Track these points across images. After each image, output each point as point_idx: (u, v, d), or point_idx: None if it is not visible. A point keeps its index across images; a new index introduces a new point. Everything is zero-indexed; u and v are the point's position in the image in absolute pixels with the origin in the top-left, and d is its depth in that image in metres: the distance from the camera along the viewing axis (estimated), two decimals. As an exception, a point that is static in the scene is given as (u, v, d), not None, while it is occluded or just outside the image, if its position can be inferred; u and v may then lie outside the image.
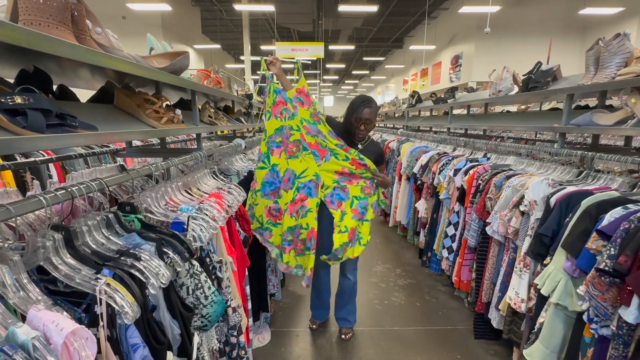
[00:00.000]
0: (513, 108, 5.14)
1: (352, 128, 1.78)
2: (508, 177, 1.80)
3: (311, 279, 1.83)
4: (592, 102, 2.97)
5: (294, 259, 1.82)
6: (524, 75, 2.12)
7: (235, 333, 1.16)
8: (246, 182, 1.86)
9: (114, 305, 0.62)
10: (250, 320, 1.63)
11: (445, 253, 2.40)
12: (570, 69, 1.97)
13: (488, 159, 2.35)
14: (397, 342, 2.08)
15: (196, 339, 0.91)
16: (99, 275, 0.64)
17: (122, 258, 0.71)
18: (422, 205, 2.85)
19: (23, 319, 0.55)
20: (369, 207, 1.81)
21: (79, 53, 0.74)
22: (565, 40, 8.90)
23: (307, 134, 1.76)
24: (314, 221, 1.76)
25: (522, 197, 1.58)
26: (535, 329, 1.40)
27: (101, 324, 0.62)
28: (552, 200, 1.43)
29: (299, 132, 1.75)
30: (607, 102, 1.93)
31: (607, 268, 1.06)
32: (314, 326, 2.19)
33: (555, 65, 1.92)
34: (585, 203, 1.28)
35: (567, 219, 1.33)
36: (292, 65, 2.02)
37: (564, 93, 1.73)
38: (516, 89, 2.26)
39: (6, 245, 0.65)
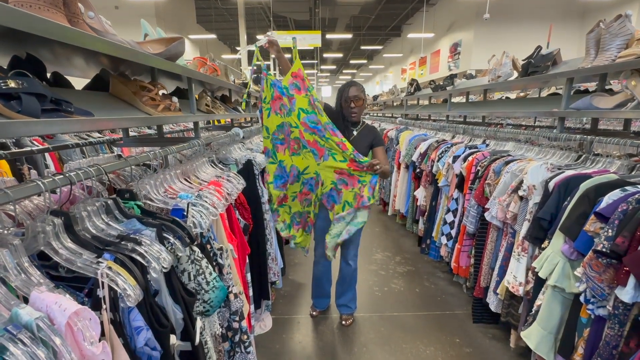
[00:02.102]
0: (512, 95, 5.11)
1: (345, 110, 1.84)
2: (507, 163, 1.80)
3: (308, 251, 2.09)
4: (592, 88, 2.95)
5: (301, 236, 2.01)
6: (523, 60, 2.10)
7: (237, 318, 1.17)
8: (245, 171, 1.85)
9: (116, 288, 0.62)
10: (252, 307, 1.65)
11: (444, 240, 2.41)
12: (570, 55, 1.95)
13: (487, 145, 2.35)
14: (397, 327, 2.11)
15: (199, 324, 0.92)
16: (100, 259, 0.64)
17: (122, 243, 0.71)
18: (420, 193, 2.86)
19: (25, 302, 0.55)
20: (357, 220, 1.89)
21: (72, 36, 0.72)
22: (564, 26, 8.80)
23: (305, 130, 1.72)
24: (316, 210, 1.95)
25: (521, 182, 1.59)
26: (533, 312, 1.42)
27: (104, 307, 0.62)
28: (551, 185, 1.44)
29: (298, 130, 1.72)
30: (607, 87, 1.91)
31: (604, 249, 1.07)
32: (315, 313, 2.21)
33: (555, 49, 1.90)
34: (584, 186, 1.28)
35: (566, 203, 1.33)
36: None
37: (564, 77, 1.71)
38: (516, 74, 2.24)
39: (6, 231, 0.64)
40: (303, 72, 1.71)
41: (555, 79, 1.79)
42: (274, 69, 14.67)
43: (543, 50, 1.97)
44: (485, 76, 2.92)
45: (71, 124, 0.72)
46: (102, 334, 0.63)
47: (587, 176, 1.33)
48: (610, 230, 1.07)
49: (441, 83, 3.43)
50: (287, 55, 1.81)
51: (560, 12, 8.85)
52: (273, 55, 1.72)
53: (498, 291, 1.77)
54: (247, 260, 1.55)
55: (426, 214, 2.77)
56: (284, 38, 8.90)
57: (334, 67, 24.11)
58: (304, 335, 2.05)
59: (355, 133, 1.91)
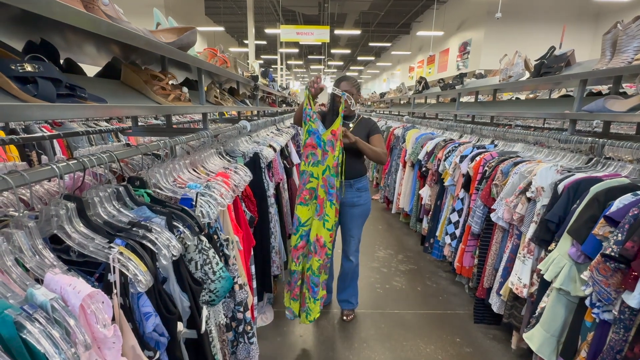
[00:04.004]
0: (522, 97, 5.06)
1: (336, 104, 1.84)
2: (516, 164, 1.79)
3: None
4: (605, 90, 2.91)
5: (288, 301, 1.87)
6: (536, 60, 2.07)
7: (241, 309, 1.18)
8: (251, 164, 1.86)
9: (127, 273, 0.63)
10: (255, 299, 1.66)
11: (448, 239, 2.41)
12: (582, 57, 1.90)
13: (495, 145, 2.33)
14: (398, 324, 2.12)
15: (205, 312, 0.93)
16: (112, 245, 0.64)
17: (134, 229, 0.71)
18: (426, 192, 2.85)
19: (38, 283, 0.55)
20: (319, 285, 1.80)
21: (89, 22, 0.72)
22: (577, 27, 8.66)
23: (322, 187, 1.72)
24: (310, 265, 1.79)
25: (530, 184, 1.57)
26: (536, 314, 1.41)
27: (114, 291, 0.63)
28: (560, 187, 1.42)
29: (317, 182, 1.72)
30: (621, 91, 1.88)
31: (613, 253, 1.06)
32: (316, 307, 2.23)
33: (569, 50, 1.87)
34: (594, 190, 1.27)
35: (575, 206, 1.32)
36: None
37: (577, 78, 1.69)
38: (527, 74, 2.21)
39: (20, 214, 0.65)
40: (340, 133, 1.70)
41: (569, 80, 1.76)
42: (281, 63, 14.61)
43: (557, 51, 1.94)
44: (495, 76, 2.89)
45: (86, 110, 0.73)
46: (112, 318, 0.64)
47: (598, 179, 1.32)
48: (620, 235, 1.06)
49: (450, 82, 3.39)
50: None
51: (573, 13, 8.70)
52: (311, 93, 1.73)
53: (501, 292, 1.76)
54: (252, 253, 1.56)
55: (431, 213, 2.76)
56: (290, 33, 8.85)
57: (341, 63, 23.99)
58: (305, 329, 2.07)
59: (351, 126, 1.95)
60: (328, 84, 1.75)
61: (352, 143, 1.77)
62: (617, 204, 1.14)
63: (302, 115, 1.77)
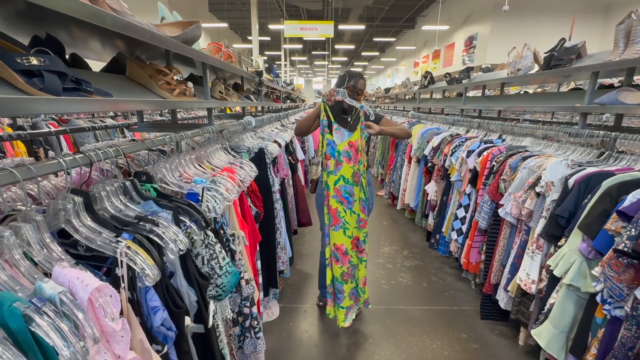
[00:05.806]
0: (530, 90, 4.98)
1: (346, 109, 1.80)
2: (524, 159, 1.76)
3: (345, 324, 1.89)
4: (616, 83, 2.84)
5: (332, 310, 1.90)
6: (545, 53, 2.03)
7: (248, 304, 1.18)
8: (257, 160, 1.85)
9: (134, 267, 0.62)
10: (261, 294, 1.67)
11: (454, 235, 2.39)
12: (592, 51, 1.85)
13: (503, 140, 2.29)
14: (403, 320, 2.11)
15: (212, 307, 0.93)
16: (119, 239, 0.64)
17: (140, 223, 0.71)
18: (431, 188, 2.83)
19: (47, 277, 0.55)
20: (344, 292, 1.85)
21: (94, 14, 0.71)
22: (586, 20, 8.48)
23: (334, 197, 1.74)
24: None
25: (539, 178, 1.55)
26: (545, 310, 1.40)
27: (122, 285, 0.63)
28: (571, 182, 1.40)
29: (329, 192, 1.77)
30: (633, 83, 1.83)
31: (626, 249, 1.04)
32: (321, 303, 2.23)
33: (580, 42, 1.83)
34: (606, 184, 1.24)
35: (586, 201, 1.30)
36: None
37: (589, 70, 1.65)
38: (537, 67, 2.17)
39: (28, 208, 0.65)
40: (360, 145, 1.70)
41: (580, 72, 1.72)
42: (285, 59, 14.56)
43: (567, 43, 1.90)
44: (503, 69, 2.84)
45: (91, 104, 0.72)
46: (120, 312, 0.64)
47: (610, 174, 1.29)
48: (633, 230, 1.03)
49: (457, 76, 3.35)
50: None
51: (582, 6, 8.52)
52: (325, 97, 1.71)
53: (509, 288, 1.74)
54: (257, 248, 1.56)
55: (436, 208, 2.74)
56: (294, 28, 8.80)
57: (345, 58, 23.84)
58: (310, 324, 2.07)
59: (350, 121, 1.87)
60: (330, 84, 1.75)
61: (378, 132, 1.75)
62: (630, 198, 1.12)
63: (309, 126, 1.82)
